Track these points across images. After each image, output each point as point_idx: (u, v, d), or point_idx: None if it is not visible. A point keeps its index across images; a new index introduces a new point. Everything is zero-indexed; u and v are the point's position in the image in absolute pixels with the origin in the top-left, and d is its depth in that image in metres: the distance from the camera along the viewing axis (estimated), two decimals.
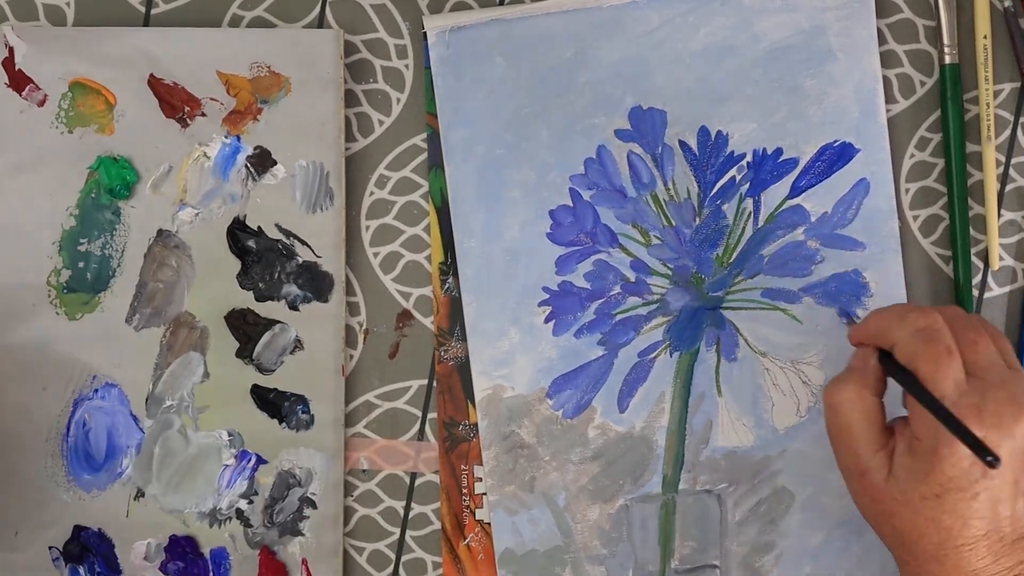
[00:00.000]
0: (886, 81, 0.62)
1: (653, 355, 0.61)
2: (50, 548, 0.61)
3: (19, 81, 0.60)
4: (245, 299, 0.61)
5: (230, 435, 0.61)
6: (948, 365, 0.50)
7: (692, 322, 0.61)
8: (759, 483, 0.61)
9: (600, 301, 0.61)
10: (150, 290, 0.61)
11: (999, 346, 0.53)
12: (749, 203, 0.61)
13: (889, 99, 0.62)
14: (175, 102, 0.61)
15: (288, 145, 0.61)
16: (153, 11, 0.62)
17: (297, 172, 0.61)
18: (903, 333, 0.52)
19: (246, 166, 0.61)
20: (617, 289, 0.61)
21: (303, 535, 0.61)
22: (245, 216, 0.61)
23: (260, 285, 0.61)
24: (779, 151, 0.61)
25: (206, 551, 0.61)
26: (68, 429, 0.61)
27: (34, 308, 0.60)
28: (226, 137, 0.61)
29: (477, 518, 0.62)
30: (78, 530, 0.61)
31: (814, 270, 0.61)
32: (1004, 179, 0.62)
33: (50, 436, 0.61)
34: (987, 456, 0.47)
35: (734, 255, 0.61)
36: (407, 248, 0.62)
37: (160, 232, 0.61)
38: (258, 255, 0.61)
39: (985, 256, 0.62)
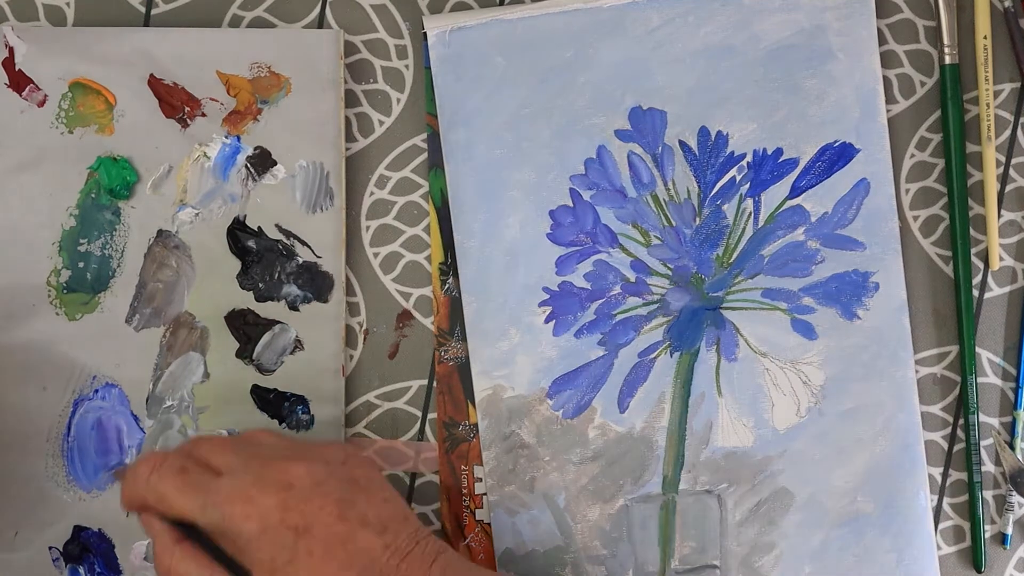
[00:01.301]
0: (886, 81, 0.62)
1: (653, 355, 0.61)
2: (50, 548, 0.61)
3: (19, 81, 0.60)
4: (245, 299, 0.61)
5: (230, 435, 0.61)
6: (183, 479, 0.52)
7: (692, 322, 0.61)
8: (759, 483, 0.61)
9: (600, 301, 0.61)
10: (150, 290, 0.61)
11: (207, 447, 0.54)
12: (749, 203, 0.61)
13: (889, 99, 0.62)
14: (175, 102, 0.61)
15: (288, 145, 0.61)
16: (153, 11, 0.62)
17: (297, 172, 0.61)
18: (137, 491, 0.53)
19: (246, 166, 0.61)
20: (617, 289, 0.61)
21: None
22: (245, 216, 0.61)
23: (260, 285, 0.61)
24: (779, 151, 0.61)
25: None
26: (68, 429, 0.61)
27: (34, 308, 0.60)
28: (226, 137, 0.61)
29: (477, 518, 0.62)
30: (78, 530, 0.61)
31: (814, 270, 0.61)
32: (1004, 179, 0.62)
33: (50, 436, 0.61)
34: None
35: (734, 255, 0.61)
36: (407, 248, 0.62)
37: (160, 232, 0.61)
38: (258, 255, 0.61)
39: (985, 256, 0.62)
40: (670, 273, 0.61)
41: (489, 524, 0.61)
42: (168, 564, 0.52)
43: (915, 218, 0.62)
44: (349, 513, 0.51)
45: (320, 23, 0.62)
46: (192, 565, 0.51)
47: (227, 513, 0.50)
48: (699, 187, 0.61)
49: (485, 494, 0.61)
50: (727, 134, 0.61)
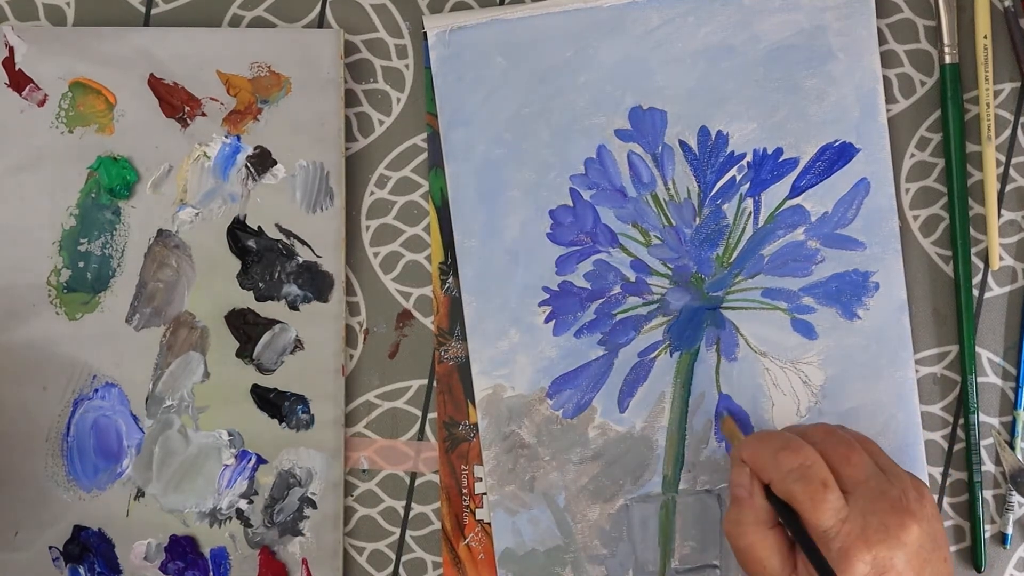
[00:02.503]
0: (886, 81, 0.62)
1: (653, 355, 0.61)
2: (50, 548, 0.61)
3: (19, 81, 0.60)
4: (245, 299, 0.61)
5: (230, 435, 0.61)
6: (824, 500, 0.52)
7: (692, 322, 0.61)
8: None
9: (600, 301, 0.61)
10: (150, 290, 0.61)
11: (869, 450, 0.55)
12: (749, 203, 0.61)
13: (889, 99, 0.62)
14: (175, 102, 0.61)
15: (288, 145, 0.61)
16: (153, 11, 0.62)
17: (297, 172, 0.61)
18: (777, 474, 0.53)
19: (246, 166, 0.61)
20: (617, 289, 0.61)
21: (303, 535, 0.61)
22: (245, 216, 0.61)
23: (260, 285, 0.61)
24: (779, 151, 0.61)
25: (206, 551, 0.61)
26: (68, 429, 0.61)
27: (34, 308, 0.60)
28: (226, 137, 0.61)
29: (477, 518, 0.62)
30: (78, 530, 0.61)
31: (814, 270, 0.61)
32: (1004, 179, 0.62)
33: (50, 436, 0.61)
34: None
35: (734, 255, 0.61)
36: (407, 248, 0.62)
37: (160, 232, 0.61)
38: (258, 255, 0.61)
39: (985, 256, 0.62)
40: (670, 273, 0.61)
41: (489, 524, 0.61)
42: (750, 540, 0.53)
43: (915, 218, 0.62)
44: (925, 573, 0.52)
45: (320, 23, 0.62)
46: (775, 557, 0.53)
47: (846, 545, 0.51)
48: (699, 187, 0.61)
49: (485, 494, 0.61)
50: (727, 134, 0.61)
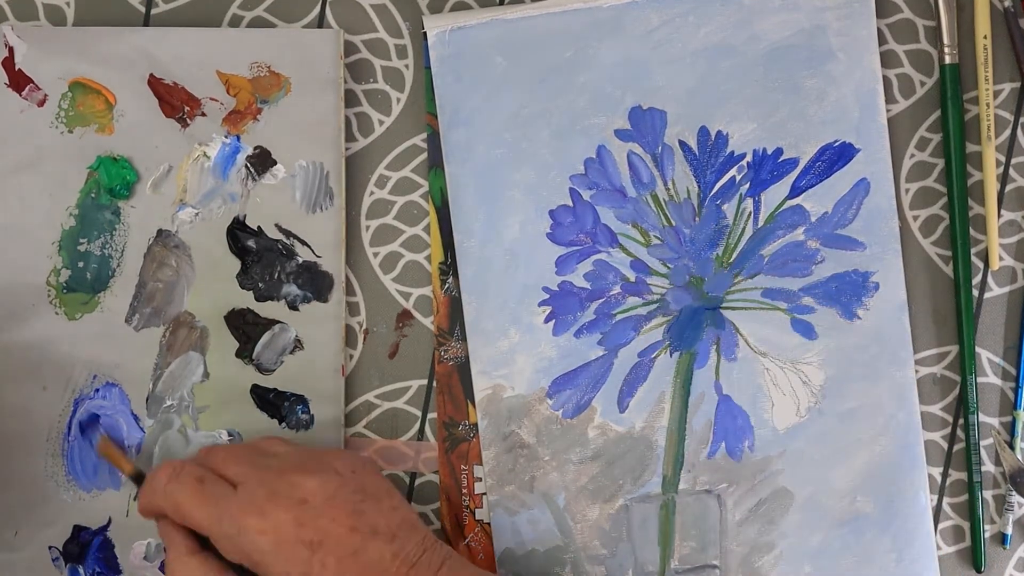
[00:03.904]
0: (886, 81, 0.62)
1: (653, 355, 0.61)
2: (50, 548, 0.61)
3: (19, 81, 0.60)
4: (245, 299, 0.61)
5: (230, 435, 0.61)
6: (200, 491, 0.52)
7: (692, 322, 0.61)
8: (759, 483, 0.61)
9: (600, 301, 0.61)
10: (150, 290, 0.61)
11: (257, 445, 0.56)
12: (749, 203, 0.61)
13: (889, 99, 0.62)
14: (175, 102, 0.61)
15: (288, 145, 0.61)
16: (153, 11, 0.62)
17: (297, 172, 0.61)
18: (156, 496, 0.54)
19: (246, 166, 0.61)
20: (617, 289, 0.61)
21: None
22: (245, 216, 0.61)
23: (260, 285, 0.61)
24: (779, 151, 0.61)
25: None
26: (68, 429, 0.61)
27: (34, 308, 0.60)
28: (226, 137, 0.61)
29: (477, 518, 0.62)
30: (78, 530, 0.61)
31: (814, 270, 0.61)
32: (1004, 179, 0.62)
33: (50, 436, 0.61)
34: None
35: (734, 255, 0.61)
36: (407, 248, 0.62)
37: (160, 232, 0.61)
38: (258, 255, 0.61)
39: (985, 256, 0.62)
40: (670, 273, 0.61)
41: (489, 524, 0.61)
42: (181, 574, 0.53)
43: (915, 218, 0.62)
44: (360, 524, 0.51)
45: (320, 23, 0.62)
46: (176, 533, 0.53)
47: (242, 526, 0.51)
48: (699, 187, 0.61)
49: (485, 494, 0.61)
50: (727, 134, 0.61)
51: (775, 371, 0.61)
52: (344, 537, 0.51)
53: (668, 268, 0.61)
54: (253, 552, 0.51)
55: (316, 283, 0.61)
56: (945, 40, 0.61)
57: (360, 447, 0.62)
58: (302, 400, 0.61)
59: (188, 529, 0.54)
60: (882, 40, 0.62)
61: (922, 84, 0.62)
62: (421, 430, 0.62)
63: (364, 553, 0.51)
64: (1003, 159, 0.62)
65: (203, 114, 0.61)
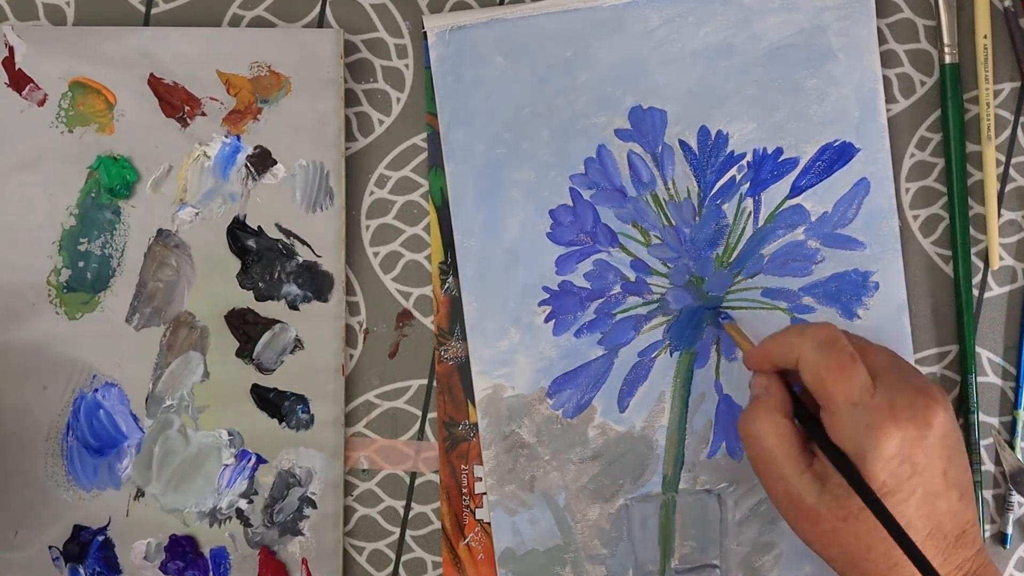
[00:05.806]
0: (886, 81, 0.62)
1: (653, 355, 0.61)
2: (50, 548, 0.61)
3: (19, 81, 0.60)
4: (245, 299, 0.61)
5: (230, 435, 0.61)
6: (853, 369, 0.51)
7: (692, 322, 0.61)
8: (759, 483, 0.61)
9: (600, 301, 0.61)
10: (150, 289, 0.61)
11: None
12: (749, 203, 0.61)
13: (889, 99, 0.62)
14: (175, 102, 0.61)
15: (288, 145, 0.61)
16: (153, 11, 0.62)
17: (297, 172, 0.61)
18: (805, 346, 0.53)
19: (246, 165, 0.61)
20: (617, 289, 0.61)
21: (303, 535, 0.61)
22: (245, 216, 0.61)
23: (260, 285, 0.61)
24: (779, 151, 0.61)
25: (206, 551, 0.61)
26: (68, 428, 0.61)
27: (34, 308, 0.60)
28: (226, 136, 0.61)
29: (477, 518, 0.62)
30: (78, 530, 0.61)
31: (814, 270, 0.61)
32: (1004, 179, 0.62)
33: (50, 436, 0.61)
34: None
35: (734, 255, 0.61)
36: (407, 248, 0.62)
37: (160, 232, 0.61)
38: (258, 255, 0.61)
39: (985, 256, 0.62)
40: (670, 272, 0.61)
41: (489, 523, 0.61)
42: (760, 426, 0.53)
43: (915, 218, 0.62)
44: (950, 472, 0.51)
45: (320, 22, 0.62)
46: (785, 446, 0.53)
47: (875, 422, 0.50)
48: (699, 186, 0.61)
49: (485, 493, 0.61)
50: (727, 133, 0.61)
51: None
52: (936, 478, 0.51)
53: (668, 268, 0.61)
54: (868, 448, 0.50)
55: (316, 283, 0.61)
56: (945, 40, 0.61)
57: (360, 447, 0.62)
58: (302, 400, 0.61)
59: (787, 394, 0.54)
60: (882, 40, 0.62)
61: (922, 84, 0.62)
62: (421, 430, 0.62)
63: (944, 500, 0.51)
64: (1003, 159, 0.62)
65: (203, 114, 0.61)
